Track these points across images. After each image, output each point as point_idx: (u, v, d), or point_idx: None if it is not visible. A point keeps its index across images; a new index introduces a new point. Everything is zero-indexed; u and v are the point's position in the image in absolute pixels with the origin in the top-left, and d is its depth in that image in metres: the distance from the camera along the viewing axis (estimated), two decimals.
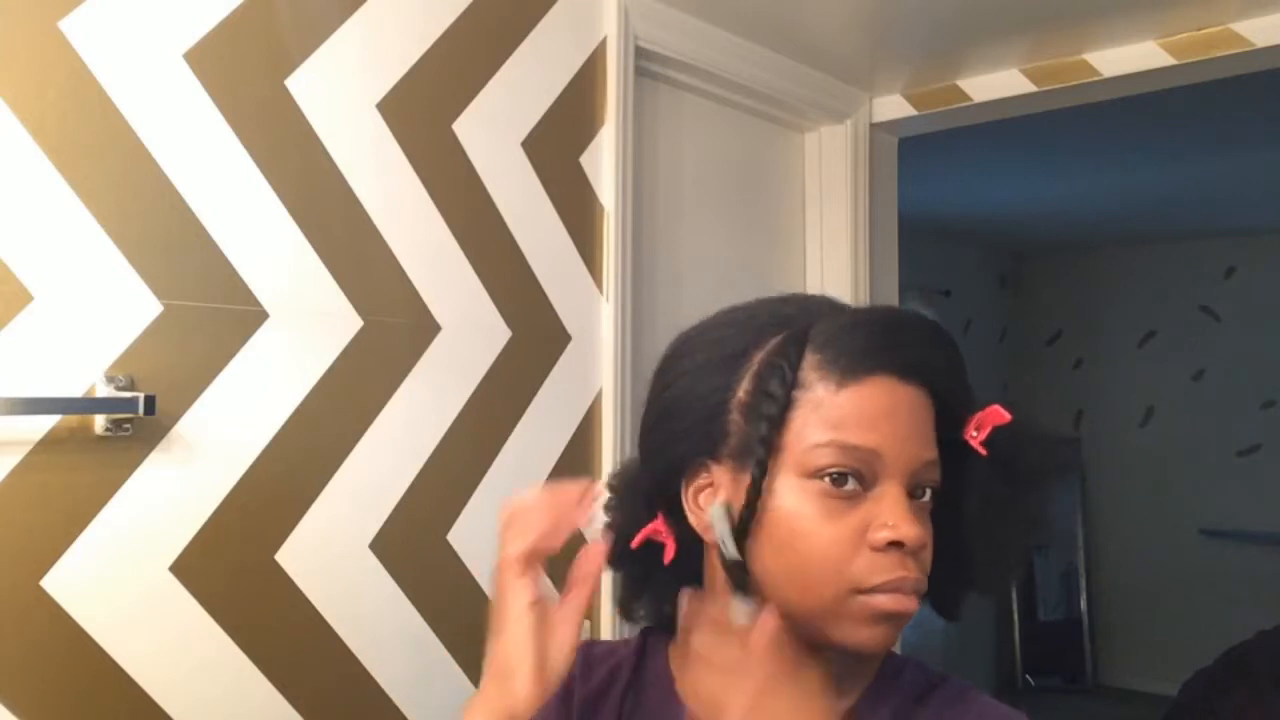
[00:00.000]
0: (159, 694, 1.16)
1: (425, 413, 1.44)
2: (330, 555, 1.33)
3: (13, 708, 1.05)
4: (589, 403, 1.68)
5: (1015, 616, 5.17)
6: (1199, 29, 1.92)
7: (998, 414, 0.72)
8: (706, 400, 0.72)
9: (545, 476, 1.60)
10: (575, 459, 1.65)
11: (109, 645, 1.12)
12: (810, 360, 0.70)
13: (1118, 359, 5.27)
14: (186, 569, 1.19)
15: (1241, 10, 1.85)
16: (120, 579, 1.13)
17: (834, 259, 2.29)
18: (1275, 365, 4.82)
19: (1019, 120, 2.40)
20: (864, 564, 0.68)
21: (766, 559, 0.70)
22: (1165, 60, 1.97)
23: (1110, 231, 4.94)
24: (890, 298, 2.46)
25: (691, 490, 0.74)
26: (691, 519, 0.74)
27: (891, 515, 0.68)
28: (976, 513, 0.74)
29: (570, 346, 1.65)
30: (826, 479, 0.68)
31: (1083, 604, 5.22)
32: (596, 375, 1.69)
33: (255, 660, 1.24)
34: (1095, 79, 2.06)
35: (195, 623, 1.19)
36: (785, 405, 0.69)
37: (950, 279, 4.99)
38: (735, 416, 0.71)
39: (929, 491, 0.71)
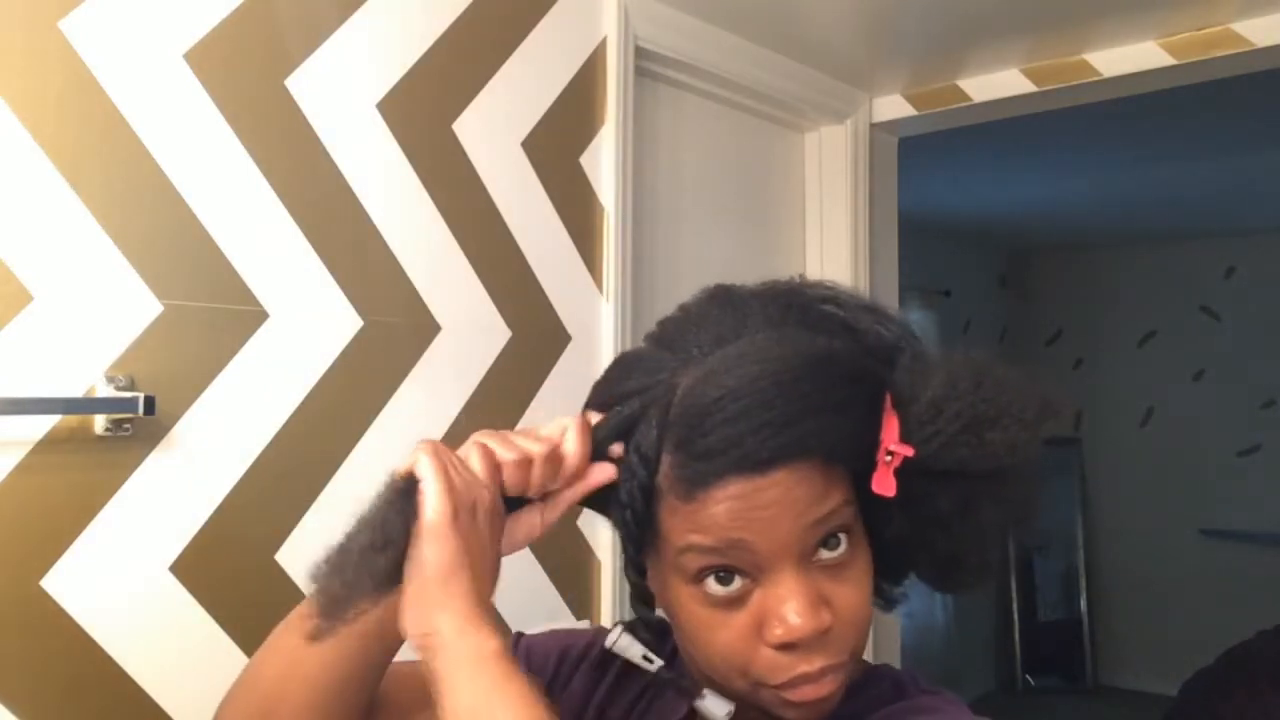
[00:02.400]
0: (159, 694, 1.16)
1: (425, 413, 1.44)
2: None
3: (13, 708, 1.05)
4: None
5: (1015, 617, 5.17)
6: (1199, 29, 1.92)
7: (889, 437, 0.63)
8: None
9: None
10: None
11: (109, 645, 1.12)
12: (665, 460, 0.64)
13: (1118, 359, 5.27)
14: (186, 569, 1.19)
15: (1241, 10, 1.85)
16: (120, 579, 1.13)
17: (834, 259, 2.29)
18: (1275, 365, 4.82)
19: (1019, 120, 2.40)
20: (764, 662, 0.63)
21: (688, 650, 0.69)
22: (1165, 60, 1.97)
23: (1110, 231, 4.94)
24: (890, 298, 2.46)
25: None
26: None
27: (781, 611, 0.62)
28: (909, 536, 0.66)
29: (570, 346, 1.65)
30: (704, 582, 0.63)
31: (1083, 604, 5.22)
32: (596, 375, 1.69)
33: None
34: (1095, 79, 2.06)
35: (195, 623, 1.19)
36: (643, 518, 0.65)
37: (950, 279, 4.99)
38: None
39: (842, 537, 0.64)
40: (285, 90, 1.30)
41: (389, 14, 1.41)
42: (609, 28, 1.72)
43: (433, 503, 0.62)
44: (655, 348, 0.70)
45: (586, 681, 0.80)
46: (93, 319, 1.12)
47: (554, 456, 0.67)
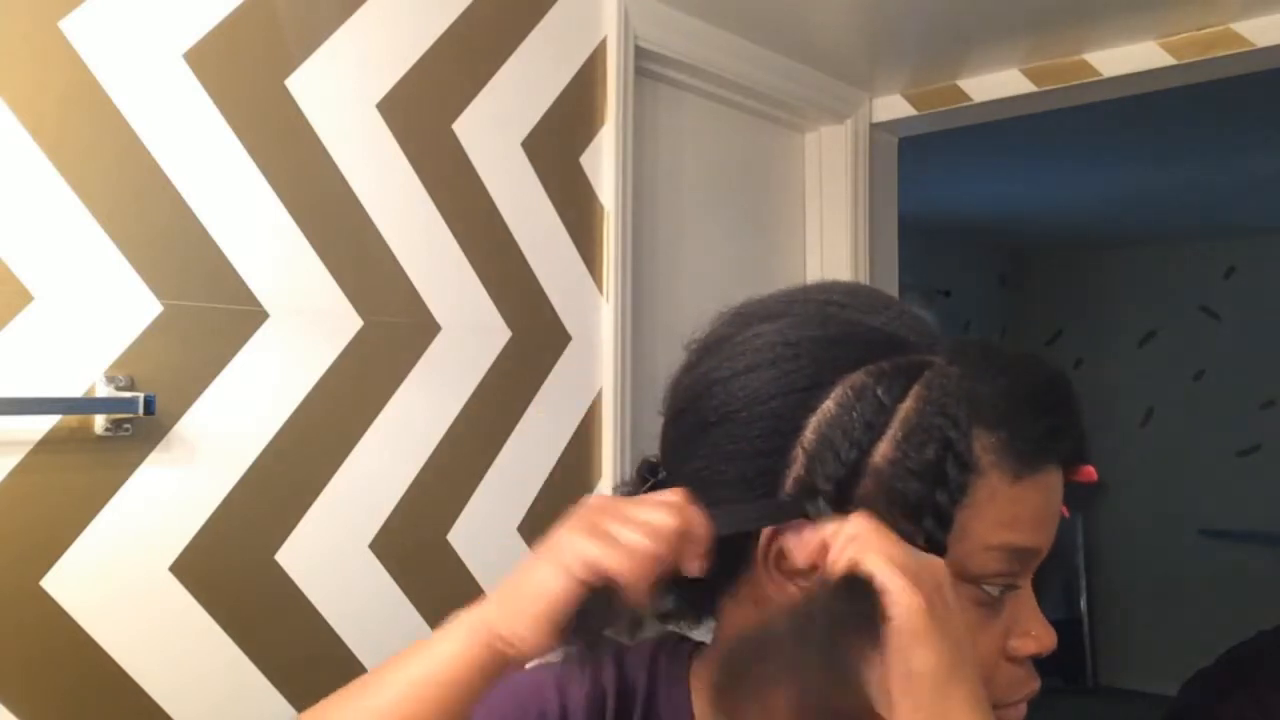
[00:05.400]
0: (159, 694, 1.16)
1: (425, 413, 1.44)
2: (330, 555, 1.33)
3: (13, 708, 1.05)
4: (589, 403, 1.68)
5: None
6: (1199, 29, 1.92)
7: (1089, 474, 0.62)
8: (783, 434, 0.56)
9: (545, 477, 1.60)
10: (575, 459, 1.65)
11: (109, 645, 1.12)
12: (982, 436, 0.56)
13: (1118, 359, 5.27)
14: (186, 569, 1.19)
15: (1241, 10, 1.85)
16: (120, 579, 1.13)
17: (834, 259, 2.29)
18: (1275, 365, 4.82)
19: (1019, 120, 2.40)
20: (1005, 678, 0.60)
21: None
22: (1165, 60, 1.97)
23: (1110, 231, 4.94)
24: None
25: (774, 551, 0.57)
26: (769, 586, 0.58)
27: (1034, 622, 0.61)
28: None
29: (570, 346, 1.65)
30: (986, 584, 0.58)
31: (1083, 604, 5.21)
32: (596, 375, 1.69)
33: (255, 660, 1.24)
34: (1095, 79, 2.06)
35: (195, 623, 1.19)
36: (960, 497, 0.55)
37: (950, 279, 4.99)
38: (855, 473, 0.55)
39: None
40: (285, 90, 1.30)
41: (389, 14, 1.41)
42: (609, 28, 1.72)
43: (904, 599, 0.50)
44: (840, 327, 0.60)
45: None
46: (93, 319, 1.13)
47: None
